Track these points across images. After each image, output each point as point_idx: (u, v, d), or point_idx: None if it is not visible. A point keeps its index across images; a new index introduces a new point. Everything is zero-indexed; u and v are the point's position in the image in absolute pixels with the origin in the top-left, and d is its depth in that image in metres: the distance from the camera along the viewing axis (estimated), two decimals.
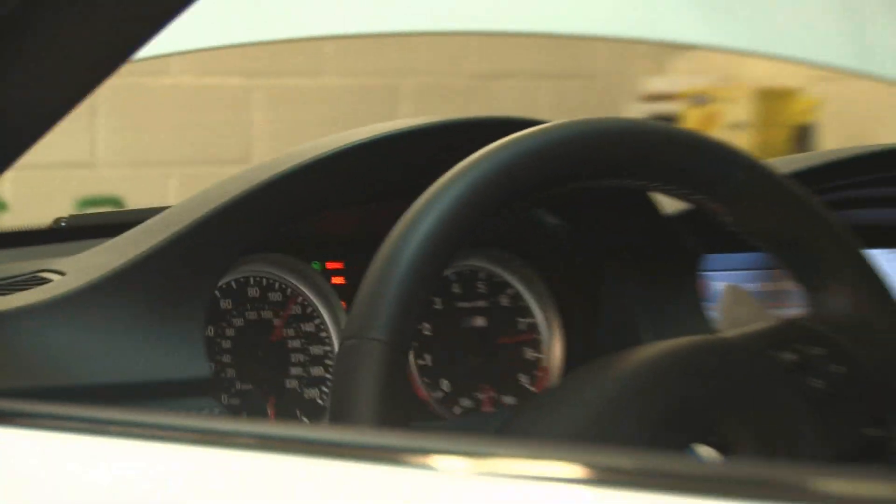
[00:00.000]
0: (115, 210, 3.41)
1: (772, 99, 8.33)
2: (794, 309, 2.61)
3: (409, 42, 7.36)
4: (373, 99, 7.73)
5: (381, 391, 1.92)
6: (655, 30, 4.38)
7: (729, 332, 2.38)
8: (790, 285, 2.52)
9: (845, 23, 3.81)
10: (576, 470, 1.38)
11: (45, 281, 2.34)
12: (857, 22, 4.00)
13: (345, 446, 1.53)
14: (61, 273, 2.36)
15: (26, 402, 1.91)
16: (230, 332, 2.44)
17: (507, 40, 8.31)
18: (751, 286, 2.75)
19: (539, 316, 2.71)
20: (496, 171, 2.12)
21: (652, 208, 2.67)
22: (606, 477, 1.37)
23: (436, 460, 1.39)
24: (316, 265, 2.56)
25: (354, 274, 2.42)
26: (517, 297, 2.74)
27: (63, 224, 2.79)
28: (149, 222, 2.44)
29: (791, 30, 3.95)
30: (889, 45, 4.01)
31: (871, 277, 2.36)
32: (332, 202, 2.55)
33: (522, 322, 2.67)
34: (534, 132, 2.19)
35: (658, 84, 8.48)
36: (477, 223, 2.09)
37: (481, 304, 2.71)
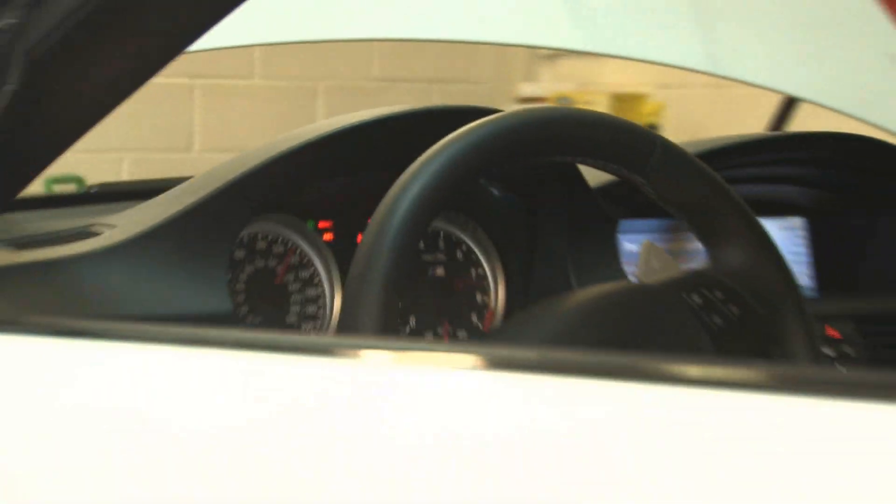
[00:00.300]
0: (137, 180, 3.37)
1: (624, 102, 8.43)
2: (697, 262, 2.66)
3: (324, 48, 7.30)
4: (294, 98, 8.03)
5: (378, 318, 2.02)
6: (529, 36, 4.41)
7: (647, 280, 2.54)
8: (693, 243, 2.61)
9: (697, 26, 3.84)
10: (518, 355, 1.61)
11: (96, 234, 2.40)
12: (707, 25, 4.07)
13: (350, 347, 1.68)
14: (111, 226, 2.41)
15: (94, 321, 2.16)
16: (244, 276, 2.57)
17: (407, 48, 8.77)
18: (661, 244, 2.79)
19: (487, 267, 2.84)
20: (469, 148, 2.23)
21: (580, 181, 2.82)
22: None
23: (422, 356, 1.55)
24: (311, 224, 2.67)
25: (341, 231, 2.71)
26: (469, 252, 2.86)
27: (94, 191, 3.02)
28: (180, 187, 2.55)
29: (648, 34, 3.92)
30: (737, 48, 4.09)
31: (760, 237, 2.51)
32: (325, 173, 2.71)
33: (474, 272, 2.80)
34: (498, 118, 2.31)
35: (529, 89, 8.68)
36: (454, 188, 2.16)
37: (441, 257, 2.83)
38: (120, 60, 2.02)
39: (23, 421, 1.69)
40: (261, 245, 2.63)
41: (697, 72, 4.07)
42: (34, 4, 1.83)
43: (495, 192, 2.91)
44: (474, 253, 2.88)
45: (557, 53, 9.07)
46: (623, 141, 2.43)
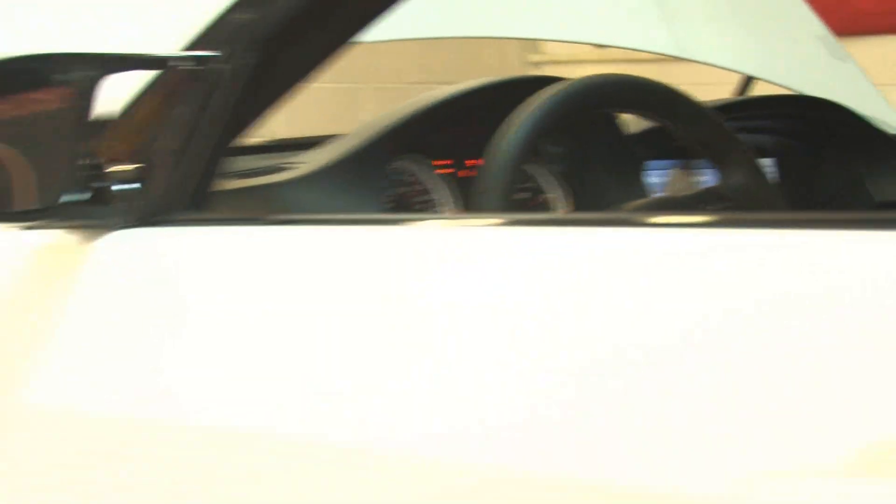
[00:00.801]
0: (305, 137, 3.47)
1: None
2: (707, 184, 2.96)
3: (365, 51, 6.88)
4: (340, 98, 7.32)
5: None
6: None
7: (676, 195, 2.96)
8: (707, 172, 2.94)
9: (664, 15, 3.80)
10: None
11: (291, 168, 2.72)
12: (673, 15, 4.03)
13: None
14: (300, 163, 2.74)
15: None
16: (387, 199, 2.80)
17: (433, 51, 8.05)
18: (681, 174, 3.05)
19: (551, 195, 2.98)
20: (561, 98, 2.49)
21: (619, 130, 3.04)
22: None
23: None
24: (432, 162, 2.89)
25: (453, 167, 2.92)
26: (538, 186, 3.01)
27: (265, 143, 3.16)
28: (344, 136, 2.85)
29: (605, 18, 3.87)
30: (700, 35, 4.06)
31: (753, 164, 2.78)
32: (444, 125, 2.92)
33: (541, 197, 2.95)
34: (580, 79, 2.60)
35: None
36: (549, 126, 2.46)
37: (527, 185, 2.98)
38: (317, 45, 2.10)
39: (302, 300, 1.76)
40: (398, 176, 2.83)
41: (666, 55, 3.94)
42: (265, 3, 1.98)
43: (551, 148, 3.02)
44: (542, 187, 3.02)
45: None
46: (662, 97, 2.69)
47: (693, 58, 3.78)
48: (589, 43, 4.55)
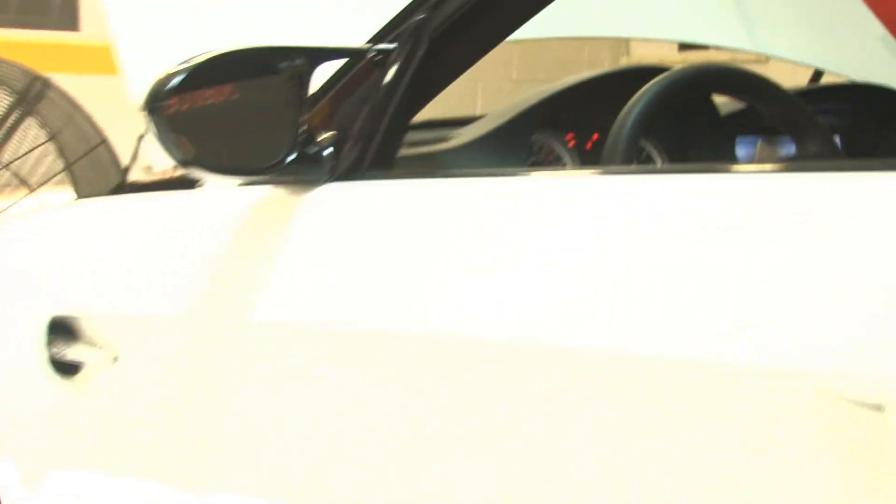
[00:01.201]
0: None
1: None
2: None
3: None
4: (458, 94, 7.21)
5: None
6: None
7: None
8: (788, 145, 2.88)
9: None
10: None
11: (451, 139, 2.84)
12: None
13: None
14: (458, 135, 2.86)
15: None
16: (529, 164, 2.85)
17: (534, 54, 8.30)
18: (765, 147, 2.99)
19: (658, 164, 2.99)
20: (671, 83, 2.52)
21: (716, 112, 3.02)
22: None
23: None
24: (565, 136, 2.91)
25: (580, 140, 2.94)
26: (649, 156, 3.01)
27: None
28: (495, 112, 2.93)
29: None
30: (775, 31, 4.06)
31: (827, 136, 2.72)
32: (573, 105, 2.93)
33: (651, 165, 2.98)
34: (686, 68, 2.63)
35: None
36: (663, 107, 2.46)
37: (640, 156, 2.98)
38: (473, 43, 2.20)
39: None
40: (537, 146, 2.89)
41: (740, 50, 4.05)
42: (436, 6, 2.06)
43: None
44: (652, 154, 2.98)
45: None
46: (753, 82, 2.67)
47: (769, 53, 3.78)
48: (676, 40, 4.54)
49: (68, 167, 5.15)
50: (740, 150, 2.86)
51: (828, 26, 3.91)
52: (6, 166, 5.04)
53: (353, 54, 2.05)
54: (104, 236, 2.58)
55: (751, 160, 2.93)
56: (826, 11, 3.89)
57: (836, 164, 1.74)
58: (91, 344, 2.37)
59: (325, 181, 2.00)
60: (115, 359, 2.27)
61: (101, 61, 6.37)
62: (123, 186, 3.11)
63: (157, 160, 2.77)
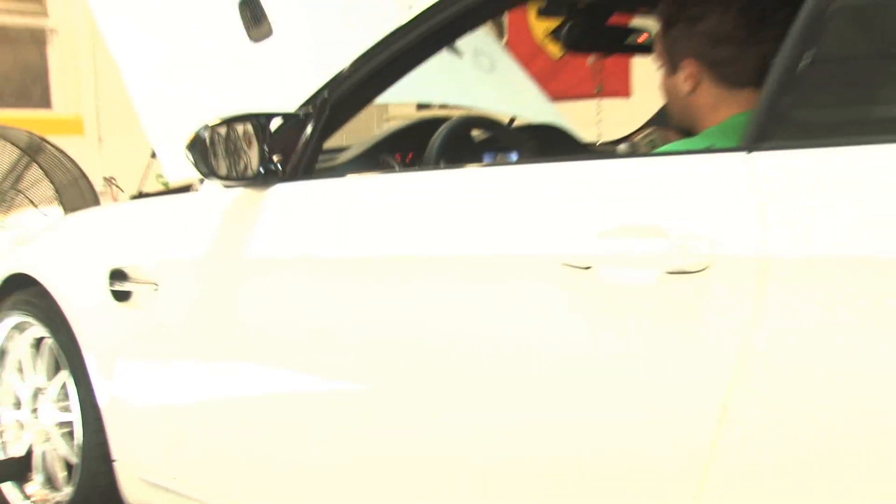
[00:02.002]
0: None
1: None
2: None
3: None
4: None
5: None
6: None
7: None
8: (512, 156, 2.86)
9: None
10: None
11: (337, 158, 2.80)
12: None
13: None
14: (342, 156, 2.82)
15: None
16: (380, 171, 2.63)
17: None
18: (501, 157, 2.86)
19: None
20: (453, 125, 2.62)
21: (471, 139, 2.87)
22: None
23: None
24: (394, 154, 2.85)
25: (403, 158, 2.87)
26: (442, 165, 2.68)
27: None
28: (358, 143, 2.88)
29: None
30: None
31: (534, 148, 2.80)
32: (399, 140, 2.91)
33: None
34: (460, 117, 2.68)
35: None
36: (450, 139, 2.59)
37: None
38: (352, 109, 2.38)
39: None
40: (381, 160, 2.82)
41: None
42: (333, 89, 2.28)
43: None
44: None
45: None
46: (493, 122, 2.83)
47: (477, 105, 3.60)
48: (416, 101, 4.00)
49: (58, 191, 5.19)
50: (486, 158, 2.81)
51: (512, 89, 3.80)
52: (21, 192, 5.18)
53: (291, 115, 2.28)
54: (137, 222, 2.76)
55: (489, 163, 2.80)
56: (511, 79, 3.81)
57: (529, 162, 2.17)
58: (138, 281, 2.55)
59: (277, 182, 2.28)
60: (157, 287, 2.49)
61: (68, 127, 6.39)
62: (141, 194, 3.29)
63: (170, 176, 2.77)
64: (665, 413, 1.60)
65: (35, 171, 5.14)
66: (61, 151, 5.12)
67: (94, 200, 5.17)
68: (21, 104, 6.34)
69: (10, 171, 5.03)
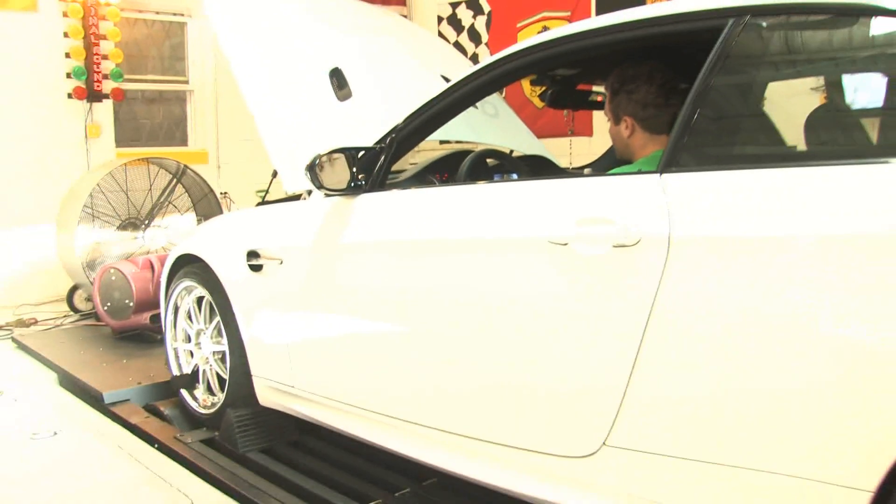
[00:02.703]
0: None
1: None
2: None
3: None
4: None
5: None
6: None
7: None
8: (515, 175, 2.78)
9: None
10: None
11: (401, 175, 2.69)
12: None
13: None
14: (404, 174, 2.73)
15: None
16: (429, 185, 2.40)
17: None
18: (505, 177, 2.74)
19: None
20: (476, 156, 2.55)
21: (487, 165, 2.72)
22: None
23: None
24: (435, 174, 2.78)
25: (442, 177, 2.78)
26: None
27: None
28: (414, 166, 2.78)
29: None
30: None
31: (526, 171, 2.71)
32: (439, 164, 2.82)
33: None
34: (479, 150, 2.60)
35: None
36: (475, 165, 2.51)
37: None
38: (411, 145, 2.33)
39: None
40: (429, 178, 2.74)
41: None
42: (399, 131, 2.26)
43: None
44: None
45: None
46: (503, 154, 2.69)
47: (483, 141, 3.36)
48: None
49: (194, 202, 5.30)
50: (496, 177, 2.66)
51: (510, 130, 3.60)
52: (171, 203, 5.32)
53: (370, 149, 2.27)
54: (265, 219, 2.70)
55: (499, 180, 2.39)
56: (509, 122, 3.62)
57: (526, 180, 2.13)
58: (267, 258, 2.55)
59: (362, 193, 2.28)
60: (281, 262, 2.49)
61: (198, 158, 6.41)
62: (264, 201, 3.22)
63: (287, 188, 2.66)
64: (606, 343, 1.66)
65: (180, 188, 5.18)
66: (197, 174, 5.15)
67: (219, 209, 5.19)
68: (168, 143, 6.42)
69: (166, 188, 5.08)
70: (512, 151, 3.21)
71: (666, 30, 1.76)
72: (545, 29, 6.20)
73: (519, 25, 6.45)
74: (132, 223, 5.02)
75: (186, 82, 6.63)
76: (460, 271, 1.94)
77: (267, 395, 2.68)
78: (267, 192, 3.46)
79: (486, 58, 2.10)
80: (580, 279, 1.70)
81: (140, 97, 6.44)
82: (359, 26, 3.25)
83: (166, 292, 3.11)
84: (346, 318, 2.29)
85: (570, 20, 6.07)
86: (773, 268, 1.42)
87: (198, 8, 6.40)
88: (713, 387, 1.50)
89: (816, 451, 1.39)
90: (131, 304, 4.10)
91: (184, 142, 6.62)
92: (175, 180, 5.15)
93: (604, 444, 1.67)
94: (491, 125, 3.43)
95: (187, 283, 2.99)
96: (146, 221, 5.05)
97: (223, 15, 2.89)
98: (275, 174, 2.84)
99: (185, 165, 5.11)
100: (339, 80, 2.92)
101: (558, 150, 3.65)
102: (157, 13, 6.40)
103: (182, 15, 6.55)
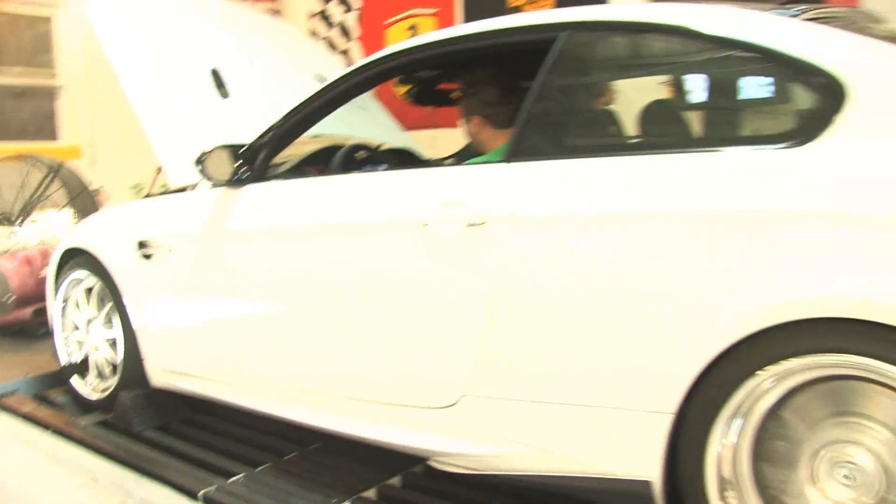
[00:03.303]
0: None
1: None
2: None
3: None
4: None
5: None
6: None
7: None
8: (383, 165, 2.74)
9: None
10: None
11: (280, 167, 2.62)
12: None
13: None
14: (282, 165, 2.63)
15: None
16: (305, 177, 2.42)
17: None
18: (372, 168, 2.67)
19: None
20: (347, 150, 2.63)
21: (354, 157, 2.69)
22: None
23: None
24: (313, 166, 2.76)
25: (318, 168, 2.72)
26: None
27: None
28: (292, 159, 2.70)
29: None
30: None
31: (386, 164, 2.81)
32: (315, 157, 2.82)
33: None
34: (350, 145, 2.69)
35: None
36: (344, 156, 2.59)
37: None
38: (289, 139, 2.39)
39: None
40: (305, 170, 2.68)
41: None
42: (280, 126, 2.34)
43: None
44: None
45: None
46: (367, 146, 2.78)
47: (356, 135, 3.28)
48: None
49: (71, 199, 5.18)
50: (366, 168, 2.62)
51: (379, 124, 3.75)
52: (48, 197, 5.22)
53: (251, 145, 2.38)
54: (153, 210, 2.77)
55: (368, 170, 2.46)
56: (378, 117, 3.79)
57: (393, 170, 2.29)
58: (157, 247, 2.63)
59: (246, 184, 2.41)
60: (171, 250, 2.60)
61: (71, 153, 6.25)
62: (150, 194, 3.28)
63: (173, 181, 2.73)
64: (462, 309, 1.88)
65: (56, 184, 5.10)
66: (74, 170, 5.12)
67: (95, 205, 5.12)
68: (38, 139, 6.29)
69: (41, 184, 4.99)
70: (381, 145, 3.27)
71: (512, 39, 2.01)
72: (413, 26, 6.36)
73: (388, 22, 6.56)
74: (6, 219, 4.92)
75: (55, 76, 6.51)
76: (336, 252, 2.13)
77: (159, 376, 2.77)
78: (152, 186, 3.57)
79: (357, 60, 2.30)
80: (440, 254, 1.92)
81: (5, 92, 6.28)
82: (238, 28, 3.37)
83: (54, 285, 3.17)
84: (234, 299, 2.41)
85: (436, 16, 6.24)
86: (590, 239, 1.71)
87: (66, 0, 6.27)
88: (548, 341, 1.76)
89: (630, 386, 1.67)
90: (12, 299, 4.09)
91: (55, 136, 6.52)
92: (51, 176, 5.08)
93: (463, 394, 1.92)
94: (362, 120, 3.53)
95: (76, 274, 3.03)
96: (20, 218, 4.96)
97: (103, 15, 2.96)
98: (159, 169, 2.96)
99: (63, 162, 5.09)
100: (218, 80, 3.05)
101: (426, 141, 3.70)
102: (23, 3, 6.25)
103: (50, 5, 6.39)
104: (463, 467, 1.97)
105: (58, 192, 5.14)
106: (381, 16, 6.72)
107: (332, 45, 7.12)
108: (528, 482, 1.85)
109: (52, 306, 3.18)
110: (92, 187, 5.19)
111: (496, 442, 1.86)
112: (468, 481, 2.04)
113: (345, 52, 6.96)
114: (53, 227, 4.96)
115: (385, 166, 2.64)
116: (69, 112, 6.58)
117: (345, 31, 7.01)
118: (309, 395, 2.26)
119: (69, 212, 5.17)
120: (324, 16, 7.15)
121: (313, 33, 7.08)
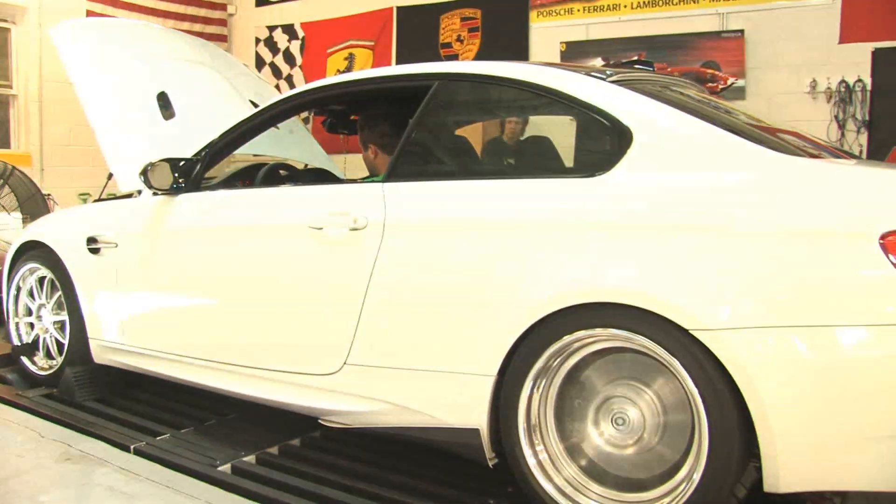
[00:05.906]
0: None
1: None
2: None
3: None
4: None
5: None
6: None
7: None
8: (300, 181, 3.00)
9: None
10: None
11: (213, 180, 2.94)
12: None
13: None
14: (216, 179, 2.97)
15: None
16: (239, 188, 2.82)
17: None
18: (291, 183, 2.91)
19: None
20: (269, 168, 2.98)
21: (280, 174, 3.08)
22: None
23: None
24: (240, 181, 3.08)
25: (245, 182, 3.08)
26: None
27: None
28: (223, 173, 3.05)
29: None
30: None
31: (321, 178, 2.92)
32: (243, 174, 3.13)
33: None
34: (272, 164, 3.03)
35: None
36: (268, 173, 2.93)
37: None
38: (222, 156, 2.69)
39: None
40: (236, 184, 3.06)
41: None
42: (214, 145, 2.63)
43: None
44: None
45: None
46: (288, 167, 3.10)
47: (286, 156, 3.54)
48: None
49: (21, 203, 5.47)
50: (287, 184, 2.74)
51: (304, 147, 3.85)
52: None
53: (189, 159, 2.65)
54: (102, 211, 3.07)
55: (284, 185, 2.65)
56: (303, 141, 3.87)
57: (305, 185, 2.54)
58: (104, 243, 2.92)
59: (181, 193, 2.71)
60: (116, 245, 2.89)
61: (22, 160, 6.41)
62: (100, 199, 3.58)
63: (122, 188, 2.96)
64: (344, 297, 2.23)
65: (6, 189, 5.38)
66: (25, 175, 5.39)
67: (45, 209, 5.36)
68: None
69: None
70: (307, 165, 3.66)
71: (401, 84, 2.44)
72: (351, 55, 6.89)
73: (329, 51, 7.03)
74: None
75: (10, 87, 6.72)
76: (250, 249, 2.50)
77: (101, 354, 3.06)
78: (102, 191, 3.84)
79: (284, 91, 2.65)
80: (329, 253, 2.27)
81: None
82: (183, 57, 3.69)
83: (9, 274, 3.44)
84: (168, 288, 2.72)
85: (373, 48, 6.74)
86: (438, 241, 2.12)
87: (22, 15, 6.58)
88: (403, 321, 2.14)
89: (464, 355, 2.03)
90: None
91: (6, 144, 6.69)
92: (2, 181, 5.38)
93: (344, 363, 2.31)
94: (289, 142, 3.77)
95: (31, 265, 3.29)
96: None
97: (67, 40, 3.29)
98: (110, 176, 3.21)
99: (14, 167, 5.39)
100: (164, 102, 3.36)
101: (339, 163, 4.01)
102: None
103: (6, 21, 6.62)
104: (344, 424, 2.35)
105: (8, 196, 5.46)
106: (323, 44, 7.25)
107: (277, 70, 7.67)
108: (394, 433, 2.22)
109: (7, 293, 3.43)
110: (41, 193, 5.51)
111: (369, 402, 2.24)
112: (354, 442, 2.44)
113: (289, 78, 7.50)
114: (3, 228, 5.24)
115: (300, 183, 2.86)
116: (22, 121, 6.77)
117: (289, 58, 7.56)
118: (225, 366, 2.61)
119: (19, 215, 5.46)
120: (269, 42, 7.68)
121: (259, 59, 7.59)
